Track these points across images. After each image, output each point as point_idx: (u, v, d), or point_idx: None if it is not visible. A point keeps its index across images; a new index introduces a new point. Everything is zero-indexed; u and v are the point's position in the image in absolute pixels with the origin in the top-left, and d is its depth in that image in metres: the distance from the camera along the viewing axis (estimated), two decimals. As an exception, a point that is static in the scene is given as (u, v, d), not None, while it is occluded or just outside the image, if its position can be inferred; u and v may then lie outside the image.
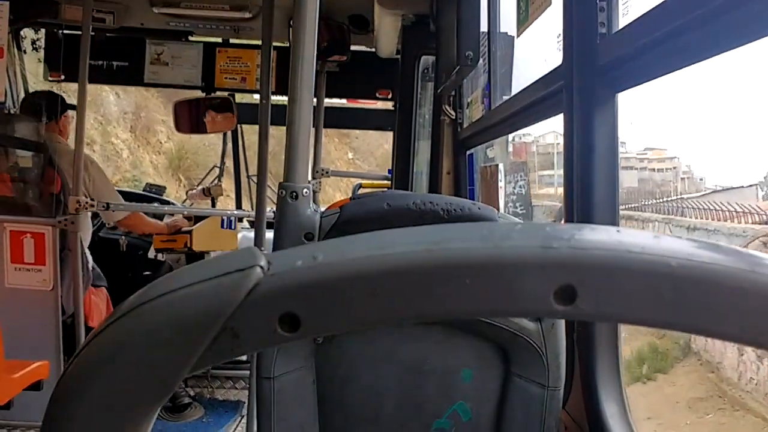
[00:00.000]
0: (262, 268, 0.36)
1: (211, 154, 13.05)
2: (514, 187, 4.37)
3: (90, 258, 3.77)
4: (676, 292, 0.35)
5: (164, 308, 0.37)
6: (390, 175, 4.64)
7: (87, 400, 0.37)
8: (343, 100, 5.18)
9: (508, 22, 2.59)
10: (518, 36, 2.13)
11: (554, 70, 1.68)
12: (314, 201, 4.59)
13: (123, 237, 4.59)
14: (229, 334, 0.36)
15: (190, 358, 0.36)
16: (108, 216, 3.79)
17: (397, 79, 4.08)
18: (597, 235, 0.36)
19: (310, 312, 0.36)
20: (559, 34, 1.63)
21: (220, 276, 0.37)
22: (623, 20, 1.40)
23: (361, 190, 5.29)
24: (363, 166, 15.03)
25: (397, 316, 0.36)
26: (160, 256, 4.41)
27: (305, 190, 1.36)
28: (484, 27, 2.66)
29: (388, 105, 4.95)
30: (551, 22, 1.79)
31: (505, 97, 2.48)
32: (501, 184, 2.60)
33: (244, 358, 4.34)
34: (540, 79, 1.83)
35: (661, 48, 1.21)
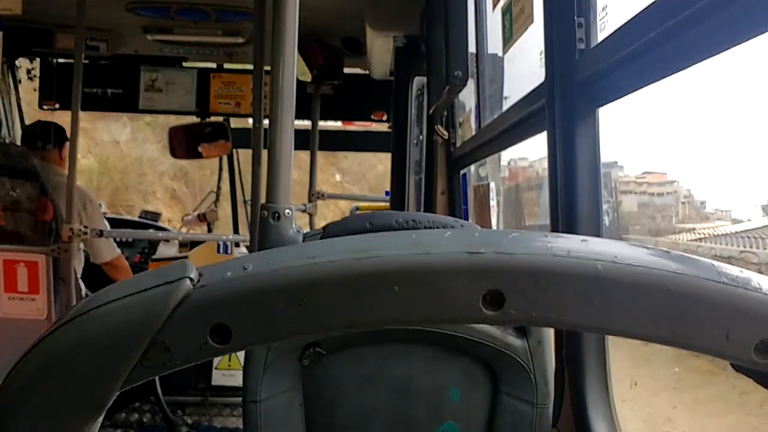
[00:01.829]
0: (191, 279, 0.36)
1: (147, 172, 11.50)
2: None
3: (83, 287, 3.76)
4: (604, 295, 0.35)
5: (95, 322, 0.37)
6: (388, 197, 4.65)
7: (21, 414, 0.37)
8: (339, 123, 5.20)
9: (496, 41, 2.60)
10: (504, 54, 2.14)
11: (537, 87, 1.69)
12: (311, 224, 4.60)
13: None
14: (160, 347, 0.36)
15: (122, 372, 0.36)
16: (96, 255, 3.74)
17: (392, 100, 4.09)
18: (525, 240, 0.36)
19: (241, 323, 0.36)
20: (542, 51, 1.63)
21: (150, 288, 0.37)
22: (601, 35, 1.40)
23: (359, 213, 5.29)
24: (352, 190, 13.70)
25: (327, 325, 0.36)
26: (156, 283, 4.40)
27: (287, 210, 1.36)
28: (473, 47, 2.67)
29: (384, 126, 4.97)
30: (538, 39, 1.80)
31: (494, 116, 2.49)
32: (492, 203, 2.61)
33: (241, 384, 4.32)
34: (524, 97, 1.84)
35: (639, 61, 1.22)
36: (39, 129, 3.96)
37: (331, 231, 1.35)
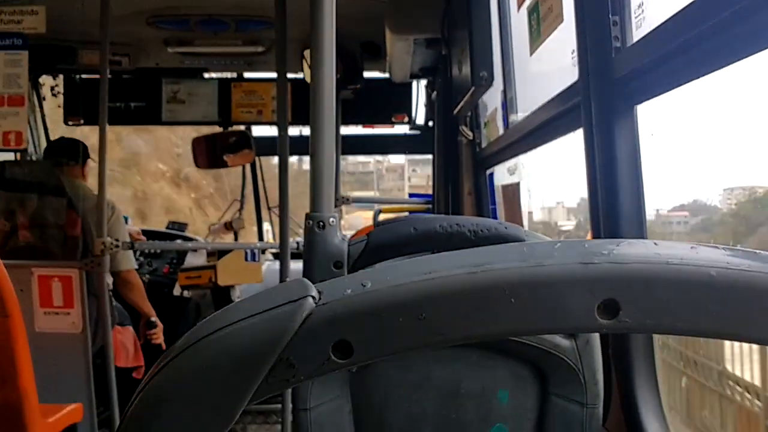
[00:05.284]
0: (313, 298, 0.38)
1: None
2: None
3: (114, 302, 3.79)
4: (718, 301, 0.36)
5: (220, 343, 0.38)
6: (430, 199, 4.64)
7: (154, 429, 0.38)
8: (359, 127, 5.21)
9: (520, 39, 2.61)
10: (531, 54, 2.14)
11: (571, 85, 1.69)
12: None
13: (147, 275, 4.63)
14: (285, 364, 0.37)
15: (249, 390, 0.37)
16: (114, 263, 3.70)
17: (435, 102, 4.09)
18: (636, 249, 0.37)
19: (362, 338, 0.37)
20: (573, 50, 1.64)
21: (274, 308, 0.38)
22: (637, 33, 1.41)
23: (382, 216, 5.30)
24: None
25: (445, 338, 0.37)
26: (185, 293, 4.43)
27: (332, 219, 1.37)
28: (497, 47, 2.68)
29: (405, 128, 4.99)
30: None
31: (522, 115, 2.49)
32: (524, 202, 2.61)
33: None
34: (557, 95, 1.84)
35: (678, 59, 1.22)
36: (63, 144, 3.99)
37: (375, 237, 1.36)
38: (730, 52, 1.11)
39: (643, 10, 1.38)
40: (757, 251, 0.38)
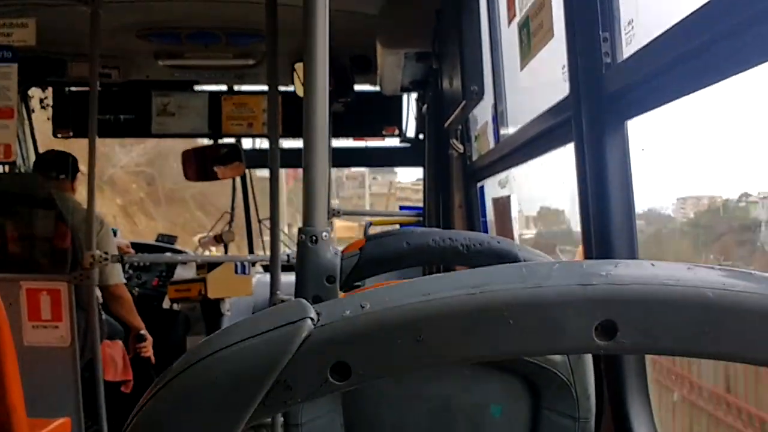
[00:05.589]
0: (312, 319, 0.38)
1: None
2: None
3: (103, 314, 3.77)
4: (714, 322, 0.36)
5: (218, 364, 0.38)
6: (420, 212, 4.64)
7: None
8: (350, 139, 5.22)
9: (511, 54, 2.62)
10: (522, 69, 2.15)
11: (562, 100, 1.70)
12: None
13: (136, 288, 4.61)
14: (283, 386, 0.37)
15: (246, 412, 0.37)
16: (103, 277, 3.66)
17: (426, 115, 4.10)
18: (633, 270, 0.37)
19: (360, 360, 0.37)
20: (564, 65, 1.65)
21: (273, 330, 0.38)
22: (627, 49, 1.42)
23: (372, 228, 5.29)
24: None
25: (443, 359, 0.37)
26: (175, 306, 4.41)
27: (324, 233, 1.36)
28: (487, 60, 2.69)
29: (395, 141, 5.01)
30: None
31: (513, 129, 2.51)
32: (513, 215, 2.62)
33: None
34: (548, 109, 1.85)
35: (669, 75, 1.23)
36: (53, 157, 3.97)
37: (368, 252, 1.36)
38: (720, 69, 1.12)
39: (632, 27, 1.39)
40: (752, 272, 0.38)
